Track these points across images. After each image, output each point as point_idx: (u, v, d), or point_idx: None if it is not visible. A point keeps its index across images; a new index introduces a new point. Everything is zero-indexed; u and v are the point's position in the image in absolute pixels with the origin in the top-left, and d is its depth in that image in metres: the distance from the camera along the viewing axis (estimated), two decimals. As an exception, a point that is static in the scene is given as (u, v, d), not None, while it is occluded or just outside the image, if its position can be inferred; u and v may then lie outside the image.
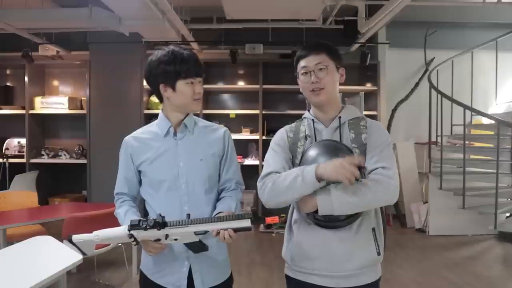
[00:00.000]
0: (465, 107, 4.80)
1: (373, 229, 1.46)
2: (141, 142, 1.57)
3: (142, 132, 1.61)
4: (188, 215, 1.38)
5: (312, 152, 1.44)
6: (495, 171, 4.33)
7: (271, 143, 1.57)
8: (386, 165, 1.38)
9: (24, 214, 3.58)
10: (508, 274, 3.94)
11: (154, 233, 1.37)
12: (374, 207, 1.45)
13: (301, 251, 1.48)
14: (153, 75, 1.50)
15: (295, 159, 1.49)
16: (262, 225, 5.38)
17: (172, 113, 1.56)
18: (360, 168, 1.27)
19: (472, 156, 5.46)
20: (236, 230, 1.34)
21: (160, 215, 1.37)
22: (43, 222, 3.50)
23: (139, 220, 1.37)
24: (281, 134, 1.57)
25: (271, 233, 5.24)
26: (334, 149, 1.43)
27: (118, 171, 1.62)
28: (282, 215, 5.46)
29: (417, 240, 5.03)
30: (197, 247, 1.43)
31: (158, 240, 1.38)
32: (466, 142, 5.03)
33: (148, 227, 1.35)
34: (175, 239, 1.38)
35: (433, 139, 5.38)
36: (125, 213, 1.53)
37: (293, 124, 1.59)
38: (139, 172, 1.57)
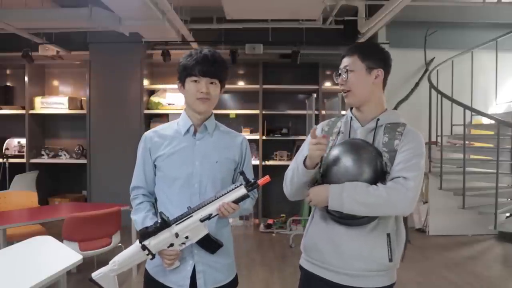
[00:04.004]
0: (465, 107, 4.80)
1: (388, 235, 1.41)
2: (160, 137, 1.58)
3: (163, 127, 1.62)
4: (188, 207, 1.42)
5: (335, 150, 1.44)
6: (495, 171, 4.33)
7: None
8: (408, 176, 1.34)
9: (24, 214, 3.58)
10: (508, 274, 3.94)
11: (164, 236, 1.40)
12: (385, 215, 1.40)
13: (312, 242, 1.52)
14: (178, 73, 1.56)
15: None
16: (262, 225, 5.38)
17: (190, 113, 1.58)
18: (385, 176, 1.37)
19: (472, 156, 5.46)
20: (235, 201, 1.41)
21: (162, 213, 1.40)
22: (43, 222, 3.51)
23: (146, 227, 1.41)
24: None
25: (271, 233, 5.23)
26: (357, 147, 1.42)
27: (135, 165, 1.62)
28: (282, 215, 5.48)
29: (417, 240, 5.02)
30: (211, 245, 1.46)
31: (172, 245, 1.41)
32: (466, 142, 5.02)
33: (155, 228, 1.39)
34: (186, 237, 1.41)
35: (433, 139, 5.38)
36: (143, 221, 1.52)
37: (333, 119, 1.62)
38: (155, 166, 1.58)
